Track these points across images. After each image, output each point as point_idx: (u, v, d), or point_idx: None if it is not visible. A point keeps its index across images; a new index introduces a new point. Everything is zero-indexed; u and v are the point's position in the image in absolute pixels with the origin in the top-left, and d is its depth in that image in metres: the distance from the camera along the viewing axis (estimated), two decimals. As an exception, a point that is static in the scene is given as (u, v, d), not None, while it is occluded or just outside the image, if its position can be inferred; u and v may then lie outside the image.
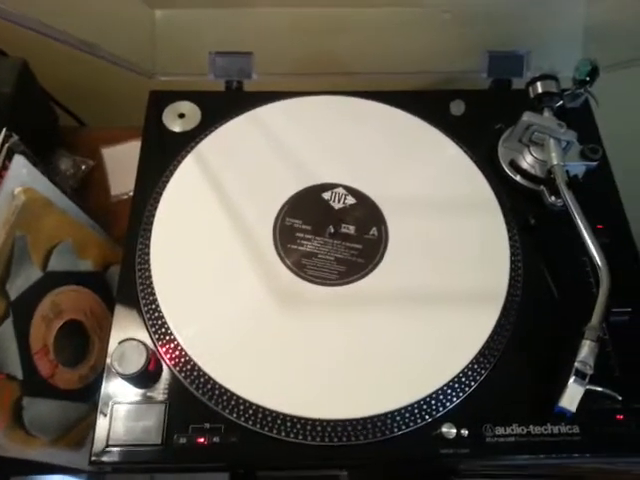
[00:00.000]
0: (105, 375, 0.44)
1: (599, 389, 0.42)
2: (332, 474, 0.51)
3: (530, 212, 0.52)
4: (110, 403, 0.43)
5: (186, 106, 0.59)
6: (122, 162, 0.69)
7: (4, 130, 0.45)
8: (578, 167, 0.52)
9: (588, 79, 0.54)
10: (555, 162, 0.50)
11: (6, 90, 0.59)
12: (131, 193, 0.62)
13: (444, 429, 0.42)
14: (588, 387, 0.41)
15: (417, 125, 0.57)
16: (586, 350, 0.42)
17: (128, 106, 0.64)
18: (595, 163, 0.52)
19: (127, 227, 0.51)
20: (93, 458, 0.42)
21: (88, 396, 0.50)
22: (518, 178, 0.53)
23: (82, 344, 0.51)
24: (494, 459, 0.43)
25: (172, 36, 0.60)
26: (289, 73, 0.62)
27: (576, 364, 0.42)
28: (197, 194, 0.53)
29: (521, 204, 0.53)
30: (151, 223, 0.50)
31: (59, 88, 0.70)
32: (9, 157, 0.44)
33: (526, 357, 0.46)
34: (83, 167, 0.67)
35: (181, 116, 0.58)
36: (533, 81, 0.55)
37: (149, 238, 0.50)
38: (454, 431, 0.42)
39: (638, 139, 0.72)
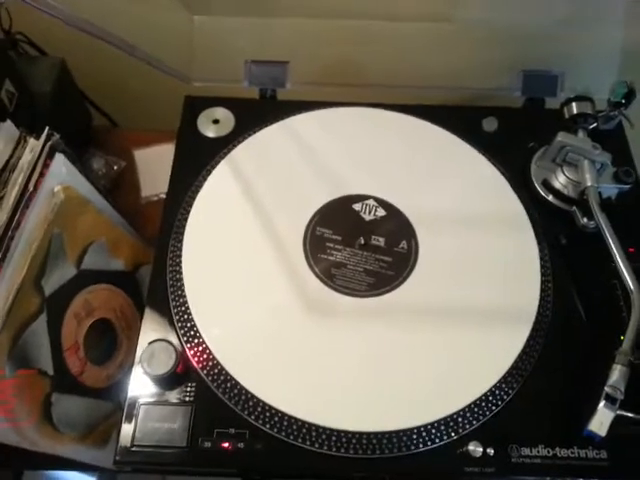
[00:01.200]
0: (132, 375, 0.44)
1: (630, 415, 0.41)
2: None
3: (562, 232, 0.52)
4: (137, 403, 0.44)
5: (220, 112, 0.60)
6: (153, 164, 0.70)
7: (46, 129, 0.46)
8: (611, 189, 0.52)
9: (624, 101, 0.54)
10: (589, 183, 0.50)
11: (46, 89, 0.60)
12: (162, 195, 0.63)
13: (470, 447, 0.42)
14: (618, 412, 0.41)
15: (449, 140, 0.57)
16: (617, 374, 0.42)
17: (161, 109, 0.65)
18: (628, 186, 0.52)
19: (159, 229, 0.52)
20: (117, 458, 0.42)
21: (114, 395, 0.50)
22: (550, 198, 0.53)
23: (110, 343, 0.51)
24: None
25: (209, 42, 0.61)
26: (322, 83, 0.62)
27: (606, 388, 0.41)
28: (229, 199, 0.53)
29: (553, 224, 0.53)
30: (183, 226, 0.51)
31: (94, 88, 0.71)
32: (51, 156, 0.45)
33: (554, 378, 0.45)
34: (115, 167, 0.68)
35: (215, 122, 0.59)
36: (568, 102, 0.55)
37: (181, 241, 0.50)
38: (480, 450, 0.42)
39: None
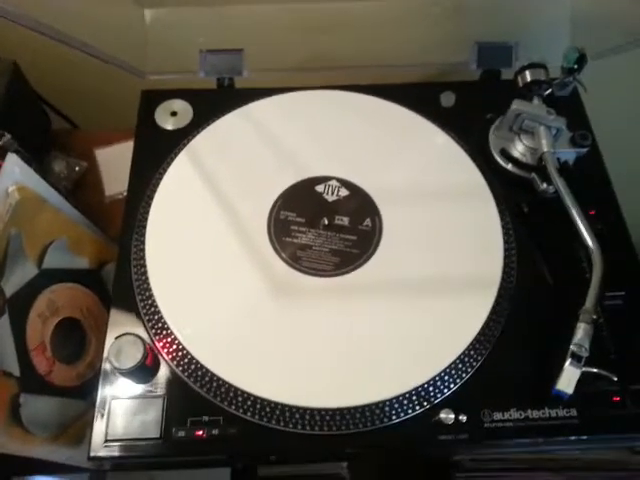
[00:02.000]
0: (102, 371, 0.44)
1: (595, 370, 0.42)
2: (333, 473, 0.52)
3: (523, 200, 0.52)
4: (107, 399, 0.43)
5: (178, 104, 0.59)
6: (116, 163, 0.69)
7: (-4, 129, 0.45)
8: (569, 154, 0.52)
9: (576, 67, 0.54)
10: (546, 149, 0.51)
11: (-2, 93, 0.59)
12: (125, 193, 0.62)
13: (442, 415, 0.42)
14: (584, 369, 0.41)
15: (408, 117, 0.57)
16: (581, 333, 0.42)
17: (120, 108, 0.64)
18: (585, 149, 0.52)
19: (122, 224, 0.51)
20: (92, 454, 0.42)
21: (86, 393, 0.50)
22: (509, 166, 0.54)
23: (79, 342, 0.51)
24: (493, 444, 0.43)
25: (162, 35, 0.60)
26: (280, 69, 0.62)
27: (572, 347, 0.42)
28: (191, 190, 0.53)
29: (513, 192, 0.53)
30: (146, 220, 0.51)
31: (51, 91, 0.70)
32: (2, 156, 0.44)
33: (522, 342, 0.46)
34: (77, 168, 0.67)
35: (173, 114, 0.59)
36: (522, 70, 0.55)
37: (144, 235, 0.50)
38: (452, 417, 0.42)
39: (627, 125, 0.73)
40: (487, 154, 0.55)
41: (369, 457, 0.46)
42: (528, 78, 0.55)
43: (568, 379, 0.41)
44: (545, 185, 0.51)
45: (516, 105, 0.52)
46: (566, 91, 0.57)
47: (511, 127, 0.54)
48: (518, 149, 0.54)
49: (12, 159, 0.44)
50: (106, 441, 0.42)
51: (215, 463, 0.46)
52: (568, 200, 0.49)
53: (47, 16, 0.52)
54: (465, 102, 0.59)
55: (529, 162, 0.53)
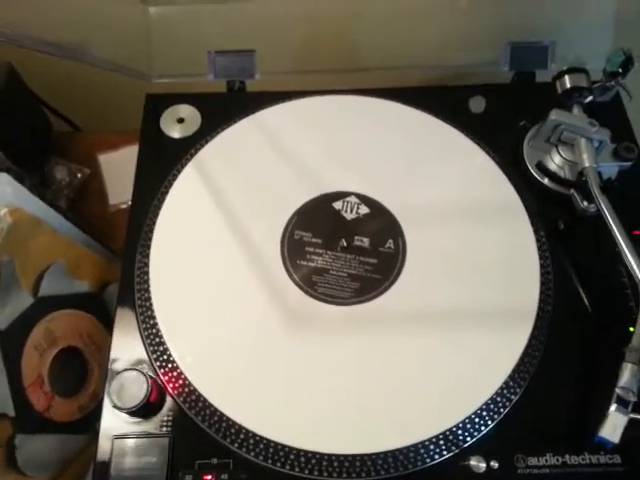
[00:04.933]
0: (104, 407, 0.41)
1: (644, 418, 0.38)
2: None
3: (560, 218, 0.48)
4: (110, 437, 0.40)
5: (185, 110, 0.55)
6: (120, 169, 0.65)
7: (-14, 146, 0.42)
8: (611, 168, 0.48)
9: (621, 71, 0.49)
10: (587, 164, 0.46)
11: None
12: (130, 202, 0.59)
13: (472, 462, 0.39)
14: (632, 416, 0.37)
15: (434, 125, 0.53)
16: (628, 374, 0.38)
17: (125, 109, 0.60)
18: (630, 163, 0.48)
19: (125, 242, 0.48)
20: (94, 498, 0.39)
21: (88, 426, 0.46)
22: (546, 181, 0.49)
23: (80, 372, 0.48)
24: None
25: (168, 35, 0.56)
26: (295, 71, 0.58)
27: (617, 390, 0.38)
28: (198, 206, 0.49)
29: (550, 209, 0.49)
30: (150, 238, 0.47)
31: (51, 92, 0.67)
32: (-8, 174, 0.41)
33: (560, 380, 0.42)
34: (79, 175, 0.64)
35: (180, 121, 0.55)
36: (560, 75, 0.50)
37: (148, 255, 0.46)
38: (483, 465, 0.39)
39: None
40: (521, 167, 0.50)
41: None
42: (568, 84, 0.50)
43: (613, 426, 0.37)
44: (586, 203, 0.47)
45: (555, 116, 0.47)
46: (607, 97, 0.52)
47: (549, 138, 0.49)
48: (556, 162, 0.49)
49: (3, 179, 0.41)
50: (108, 484, 0.39)
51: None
52: (611, 221, 0.44)
53: (42, 16, 0.48)
54: (496, 107, 0.54)
55: (568, 177, 0.48)
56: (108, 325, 0.50)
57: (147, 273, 0.45)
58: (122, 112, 0.62)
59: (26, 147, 0.50)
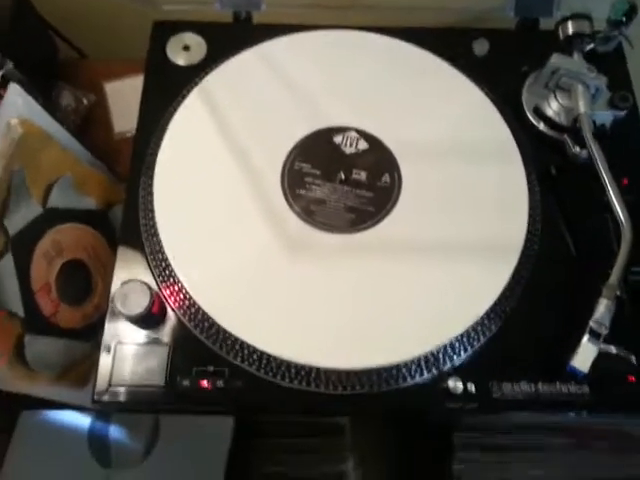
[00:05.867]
0: (108, 315, 0.43)
1: (613, 349, 0.41)
2: (334, 422, 0.52)
3: (552, 162, 0.49)
4: (113, 343, 0.43)
5: (191, 38, 0.55)
6: (126, 97, 0.66)
7: (-2, 56, 0.42)
8: (606, 116, 0.49)
9: (624, 19, 0.50)
10: (582, 110, 0.47)
11: (1, 17, 0.55)
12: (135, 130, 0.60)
13: (451, 383, 0.42)
14: (602, 347, 0.40)
15: (437, 65, 0.53)
16: (602, 309, 0.41)
17: (132, 37, 0.60)
18: (624, 112, 0.49)
19: (130, 165, 0.49)
20: (95, 397, 0.42)
21: (91, 335, 0.49)
22: (541, 126, 0.50)
23: (85, 283, 0.50)
24: (501, 416, 0.43)
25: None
26: (301, 4, 0.58)
27: (591, 323, 0.41)
28: (202, 133, 0.50)
29: (544, 154, 0.50)
30: (154, 162, 0.48)
31: (59, 18, 0.66)
32: (4, 85, 0.41)
33: (539, 313, 0.44)
34: (85, 102, 0.64)
35: (186, 48, 0.55)
36: (564, 20, 0.51)
37: (152, 177, 0.48)
38: (461, 385, 0.42)
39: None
40: (519, 110, 0.51)
41: (370, 418, 0.45)
42: (570, 30, 0.50)
43: (584, 356, 0.40)
44: (578, 149, 0.48)
45: (555, 59, 0.48)
46: (609, 46, 0.53)
47: (547, 83, 0.50)
48: (552, 107, 0.50)
49: (15, 90, 0.42)
50: (110, 385, 0.42)
51: (219, 412, 0.47)
52: (601, 166, 0.46)
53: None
54: (499, 52, 0.55)
55: (563, 122, 0.50)
56: (112, 243, 0.52)
57: (151, 194, 0.47)
58: (129, 41, 0.62)
59: (33, 71, 0.50)
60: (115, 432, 0.52)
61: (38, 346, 0.43)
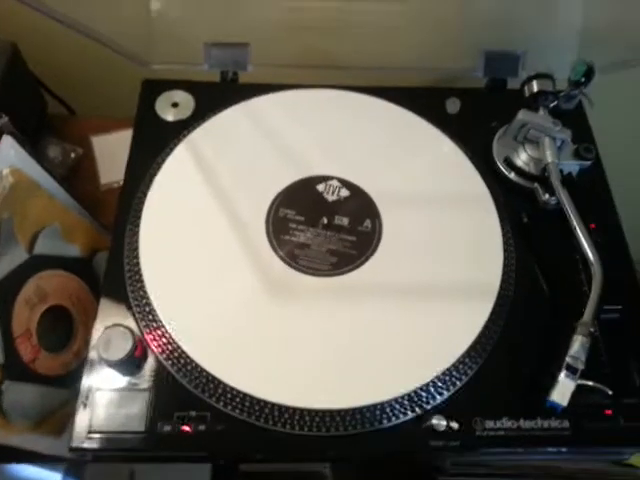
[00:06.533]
0: (88, 361, 0.43)
1: (590, 383, 0.41)
2: (315, 471, 0.51)
3: (524, 210, 0.52)
4: (92, 390, 0.42)
5: (180, 95, 0.58)
6: (112, 151, 0.68)
7: (-7, 109, 0.44)
8: (572, 166, 0.52)
9: (583, 80, 0.54)
10: (550, 160, 0.50)
11: (-4, 73, 0.58)
12: (121, 182, 0.61)
13: (434, 421, 0.42)
14: (579, 382, 0.41)
15: (413, 121, 0.57)
16: (577, 345, 0.42)
17: (119, 96, 0.63)
18: (589, 162, 0.52)
19: (116, 212, 0.50)
20: (73, 444, 0.40)
21: (70, 383, 0.48)
22: (512, 175, 0.53)
23: (66, 330, 0.50)
24: (484, 452, 0.43)
25: (167, 24, 0.59)
26: (285, 65, 0.61)
27: (567, 359, 0.42)
28: (188, 183, 0.52)
29: (515, 202, 0.53)
30: (141, 210, 0.50)
31: (50, 75, 0.69)
32: (-2, 137, 0.43)
33: (517, 352, 0.45)
34: (72, 155, 0.66)
35: (174, 105, 0.58)
36: (529, 79, 0.55)
37: (138, 225, 0.49)
38: (444, 423, 0.42)
39: (632, 140, 0.73)
40: (490, 162, 0.54)
41: (352, 464, 0.45)
42: (535, 88, 0.54)
43: (563, 391, 0.41)
44: (547, 196, 0.51)
45: (522, 115, 0.52)
46: (571, 104, 0.57)
47: (516, 136, 0.53)
48: (522, 158, 0.53)
49: (8, 141, 0.43)
50: (89, 432, 0.41)
51: (198, 459, 0.45)
52: (570, 212, 0.48)
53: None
54: (470, 109, 0.59)
55: (532, 172, 0.53)
56: (95, 290, 0.52)
57: (137, 240, 0.48)
58: (117, 100, 0.65)
59: (22, 125, 0.52)
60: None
61: (16, 393, 0.42)
